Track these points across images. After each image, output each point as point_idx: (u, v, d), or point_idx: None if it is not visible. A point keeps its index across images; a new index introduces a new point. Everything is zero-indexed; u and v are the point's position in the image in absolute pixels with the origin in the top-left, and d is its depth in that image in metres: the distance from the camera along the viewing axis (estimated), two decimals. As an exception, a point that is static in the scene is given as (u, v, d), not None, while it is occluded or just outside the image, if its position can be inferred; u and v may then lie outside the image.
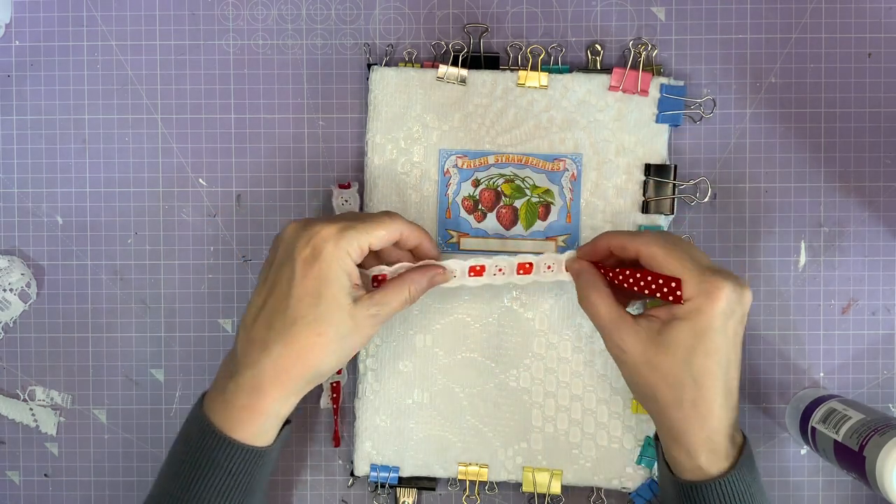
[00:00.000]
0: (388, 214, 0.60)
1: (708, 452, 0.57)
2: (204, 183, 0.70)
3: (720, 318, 0.56)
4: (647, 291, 0.58)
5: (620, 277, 0.60)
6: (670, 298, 0.57)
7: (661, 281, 0.57)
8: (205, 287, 0.70)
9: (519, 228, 0.67)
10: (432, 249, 0.63)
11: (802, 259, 0.69)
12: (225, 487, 0.58)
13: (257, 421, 0.58)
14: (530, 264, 0.64)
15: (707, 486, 0.57)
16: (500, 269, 0.65)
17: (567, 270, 0.63)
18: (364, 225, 0.58)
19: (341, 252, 0.57)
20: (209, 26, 0.70)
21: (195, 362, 0.70)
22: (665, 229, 0.67)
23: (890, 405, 0.69)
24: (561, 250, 0.67)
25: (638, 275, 0.59)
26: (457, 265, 0.64)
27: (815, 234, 0.69)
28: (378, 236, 0.59)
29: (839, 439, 0.61)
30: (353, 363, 0.69)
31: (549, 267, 0.64)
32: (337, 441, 0.69)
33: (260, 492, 0.60)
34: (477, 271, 0.64)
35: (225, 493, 0.58)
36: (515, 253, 0.66)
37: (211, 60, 0.70)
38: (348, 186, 0.68)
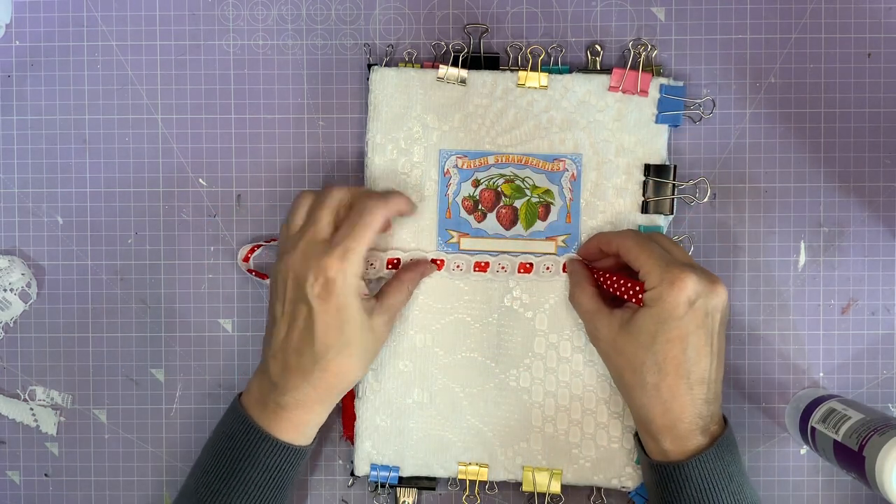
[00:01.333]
0: (369, 211, 0.61)
1: (673, 438, 0.59)
2: (204, 183, 0.70)
3: (682, 306, 0.58)
4: (617, 292, 0.62)
5: (600, 278, 0.64)
6: (633, 300, 0.61)
7: (627, 283, 0.61)
8: (205, 287, 0.70)
9: (519, 228, 0.67)
10: (411, 209, 0.66)
11: (802, 259, 0.69)
12: (263, 482, 0.61)
13: (300, 429, 0.63)
14: (531, 264, 0.66)
15: (672, 468, 0.59)
16: (502, 267, 0.67)
17: (564, 271, 0.67)
18: (359, 238, 0.60)
19: (350, 279, 0.60)
20: (209, 26, 0.70)
21: (195, 362, 0.70)
22: (665, 229, 0.67)
23: (890, 405, 0.69)
24: (561, 251, 0.67)
25: (610, 275, 0.63)
26: (462, 259, 0.66)
27: (815, 234, 0.69)
28: (373, 239, 0.61)
29: (839, 439, 0.61)
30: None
31: (548, 268, 0.67)
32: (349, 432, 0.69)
33: (291, 489, 0.64)
34: (482, 267, 0.67)
35: (263, 487, 0.61)
36: (517, 253, 0.66)
37: (211, 60, 0.70)
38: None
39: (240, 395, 0.64)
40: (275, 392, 0.61)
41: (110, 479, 0.71)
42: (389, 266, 0.67)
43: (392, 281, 0.65)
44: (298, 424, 0.62)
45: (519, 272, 0.67)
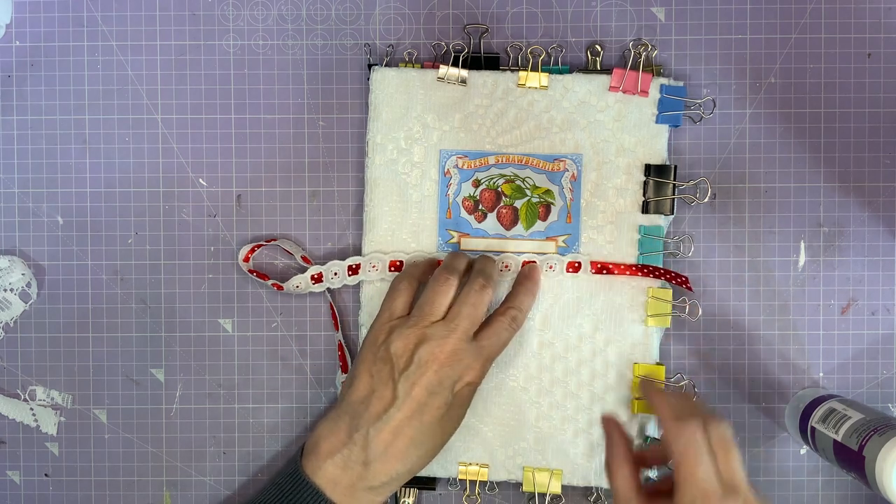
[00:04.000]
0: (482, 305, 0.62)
1: None
2: (204, 183, 0.70)
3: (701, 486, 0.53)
4: None
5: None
6: None
7: None
8: (205, 287, 0.70)
9: (519, 228, 0.67)
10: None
11: (802, 259, 0.69)
12: None
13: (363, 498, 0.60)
14: (533, 262, 0.67)
15: None
16: (506, 266, 0.67)
17: (568, 270, 0.66)
18: (498, 348, 0.63)
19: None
20: (209, 26, 0.70)
21: (195, 362, 0.70)
22: (665, 229, 0.67)
23: (890, 405, 0.69)
24: (561, 251, 0.67)
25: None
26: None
27: (815, 234, 0.69)
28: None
29: (839, 439, 0.61)
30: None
31: (550, 267, 0.67)
32: None
33: None
34: (505, 266, 0.67)
35: None
36: (519, 253, 0.67)
37: (211, 60, 0.70)
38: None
39: (300, 457, 0.61)
40: (368, 473, 0.59)
41: (110, 479, 0.71)
42: (392, 268, 0.67)
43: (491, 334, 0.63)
44: (376, 500, 0.61)
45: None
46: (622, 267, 0.67)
